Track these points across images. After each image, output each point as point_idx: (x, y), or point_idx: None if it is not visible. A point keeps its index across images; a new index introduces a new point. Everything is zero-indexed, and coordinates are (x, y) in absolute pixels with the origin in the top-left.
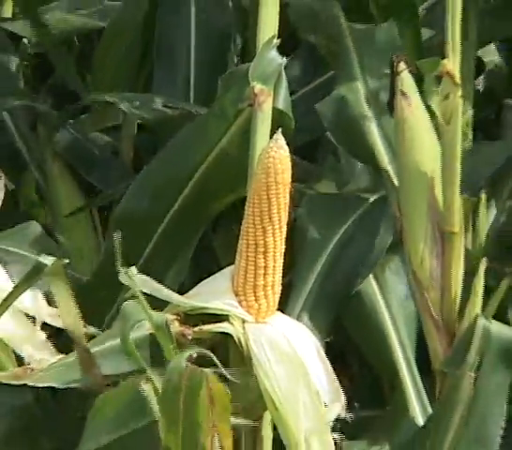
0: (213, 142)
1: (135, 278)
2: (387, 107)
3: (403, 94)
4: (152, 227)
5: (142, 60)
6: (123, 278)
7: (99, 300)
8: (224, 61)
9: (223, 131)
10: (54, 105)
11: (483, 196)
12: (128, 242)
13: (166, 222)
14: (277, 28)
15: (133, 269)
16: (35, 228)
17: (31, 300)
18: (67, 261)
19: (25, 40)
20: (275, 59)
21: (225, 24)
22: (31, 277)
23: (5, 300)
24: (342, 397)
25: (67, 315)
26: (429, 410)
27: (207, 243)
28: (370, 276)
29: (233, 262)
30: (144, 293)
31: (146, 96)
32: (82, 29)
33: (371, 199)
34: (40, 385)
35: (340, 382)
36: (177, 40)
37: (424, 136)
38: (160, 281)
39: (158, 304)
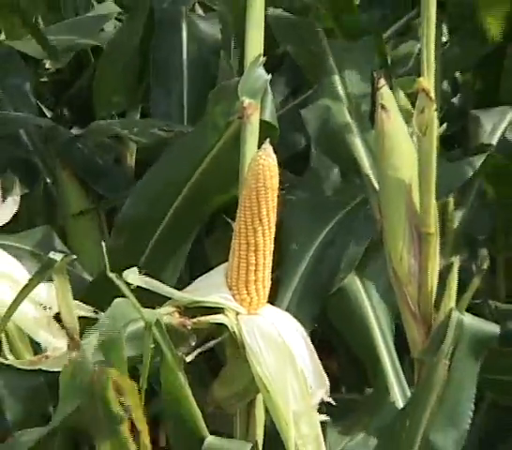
0: (206, 150)
1: (139, 279)
2: (369, 118)
3: (383, 107)
4: (151, 229)
5: (140, 74)
6: (129, 279)
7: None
8: (214, 75)
9: (215, 141)
10: (72, 117)
11: (451, 200)
12: (130, 244)
13: (164, 224)
14: (262, 47)
15: (135, 270)
16: (47, 230)
17: (46, 292)
18: (74, 257)
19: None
20: (261, 76)
21: (214, 42)
22: (43, 271)
23: (21, 291)
24: (326, 382)
25: (64, 307)
26: (408, 393)
27: (199, 245)
28: (354, 272)
29: (223, 262)
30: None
31: (144, 121)
32: (81, 47)
33: (351, 203)
34: (54, 370)
35: (328, 368)
36: (171, 56)
37: (402, 145)
38: (160, 277)
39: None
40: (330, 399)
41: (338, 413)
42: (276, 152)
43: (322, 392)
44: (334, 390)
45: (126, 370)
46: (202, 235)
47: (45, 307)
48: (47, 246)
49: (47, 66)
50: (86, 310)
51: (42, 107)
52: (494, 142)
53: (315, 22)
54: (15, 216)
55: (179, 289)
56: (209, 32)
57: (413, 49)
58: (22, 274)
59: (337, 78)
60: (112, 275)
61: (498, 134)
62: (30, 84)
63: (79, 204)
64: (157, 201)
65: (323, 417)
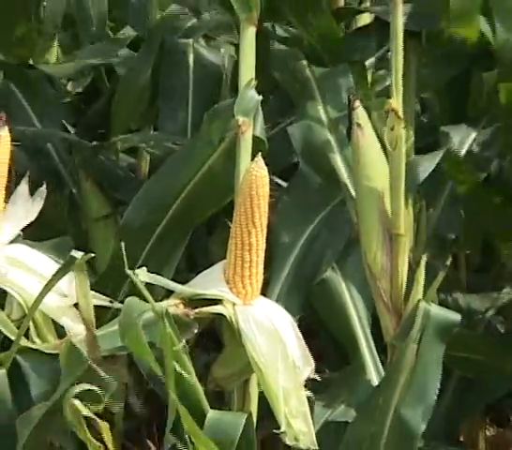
0: (200, 162)
1: (147, 275)
2: (346, 134)
3: (359, 125)
4: (149, 232)
5: (152, 97)
6: (139, 276)
7: (110, 288)
8: (215, 97)
9: (209, 154)
10: (90, 133)
11: (423, 205)
12: (130, 244)
13: (159, 229)
14: (254, 73)
15: (144, 269)
16: (68, 241)
17: (67, 285)
18: (92, 255)
19: (64, 82)
20: (253, 97)
21: (216, 69)
22: (66, 267)
23: (46, 285)
24: (312, 363)
25: (82, 301)
26: (382, 373)
27: (204, 244)
28: (335, 267)
29: (223, 259)
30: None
31: (158, 135)
32: (98, 67)
33: (330, 206)
34: None
35: (312, 351)
36: (179, 83)
37: (375, 158)
38: (159, 274)
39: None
40: (316, 376)
41: (320, 389)
42: (267, 164)
43: (308, 371)
44: (316, 369)
45: (148, 353)
46: (204, 235)
47: (66, 297)
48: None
49: (68, 88)
50: (103, 300)
51: (66, 124)
52: (462, 153)
53: (299, 52)
54: (43, 220)
55: (183, 283)
56: (213, 60)
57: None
58: (48, 268)
59: (318, 99)
60: (129, 272)
61: (465, 147)
62: (56, 104)
63: (100, 209)
64: (153, 209)
65: (309, 393)
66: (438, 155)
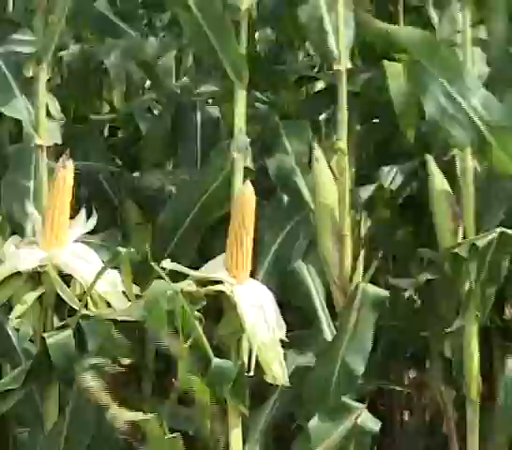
0: (209, 184)
1: (170, 264)
2: (308, 166)
3: (317, 159)
4: (175, 231)
5: (171, 140)
6: (165, 265)
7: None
8: (215, 141)
9: (214, 179)
10: (128, 164)
11: (363, 215)
12: (163, 240)
13: (181, 231)
14: (245, 122)
15: (168, 260)
16: (118, 235)
17: (114, 273)
18: (132, 250)
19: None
20: (244, 139)
21: (215, 122)
22: (112, 260)
23: (98, 273)
24: (284, 326)
25: (127, 285)
26: (334, 332)
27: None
28: (300, 259)
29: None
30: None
31: (177, 171)
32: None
33: (297, 217)
34: (119, 318)
35: (284, 318)
36: (190, 131)
37: (328, 182)
38: (180, 261)
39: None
40: (284, 337)
41: (289, 346)
42: (254, 185)
43: (281, 332)
44: (287, 331)
45: (164, 321)
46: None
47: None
48: (115, 242)
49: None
50: (136, 290)
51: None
52: (389, 180)
53: (274, 111)
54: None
55: (195, 269)
56: (214, 114)
57: None
58: (99, 260)
59: (286, 142)
60: (152, 263)
61: (391, 176)
62: (103, 146)
63: (137, 220)
64: (178, 215)
65: (283, 348)
66: (373, 187)
